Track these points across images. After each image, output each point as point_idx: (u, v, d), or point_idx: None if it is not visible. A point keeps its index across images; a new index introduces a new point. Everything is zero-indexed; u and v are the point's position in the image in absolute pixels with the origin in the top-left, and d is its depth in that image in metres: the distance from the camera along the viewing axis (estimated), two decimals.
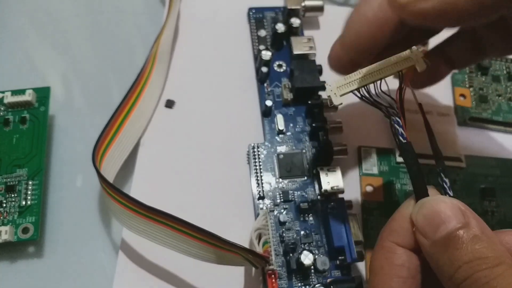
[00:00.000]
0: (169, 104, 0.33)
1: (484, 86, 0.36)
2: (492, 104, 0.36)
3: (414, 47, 0.22)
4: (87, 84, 0.34)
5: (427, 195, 0.21)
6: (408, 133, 0.32)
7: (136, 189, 0.30)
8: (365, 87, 0.21)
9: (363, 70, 0.21)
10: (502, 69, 0.37)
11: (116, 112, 0.30)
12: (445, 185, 0.22)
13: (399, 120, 0.21)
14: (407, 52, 0.21)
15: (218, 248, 0.24)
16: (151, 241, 0.26)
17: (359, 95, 0.21)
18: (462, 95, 0.36)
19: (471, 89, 0.36)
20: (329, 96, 0.21)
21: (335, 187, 0.30)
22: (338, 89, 0.21)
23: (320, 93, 0.33)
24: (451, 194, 0.21)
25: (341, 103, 0.21)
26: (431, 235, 0.19)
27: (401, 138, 0.21)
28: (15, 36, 0.35)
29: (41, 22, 0.36)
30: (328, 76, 0.33)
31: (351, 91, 0.21)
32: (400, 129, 0.21)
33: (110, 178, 0.28)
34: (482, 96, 0.36)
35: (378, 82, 0.21)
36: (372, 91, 0.21)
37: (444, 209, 0.19)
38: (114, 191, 0.26)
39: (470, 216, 0.19)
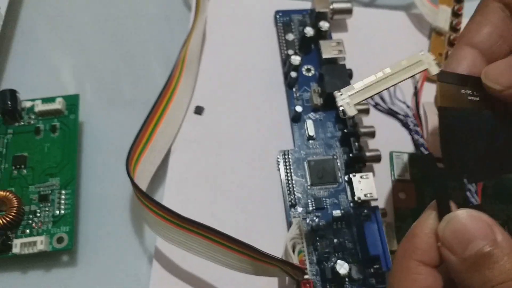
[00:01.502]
0: (198, 110, 0.33)
1: None
2: None
3: (422, 50, 0.21)
4: (114, 91, 0.34)
5: (449, 208, 0.20)
6: (432, 137, 0.31)
7: (169, 197, 0.30)
8: (379, 94, 0.20)
9: (375, 76, 0.20)
10: None
11: (146, 120, 0.30)
12: (468, 193, 0.21)
13: (418, 129, 0.21)
14: (417, 55, 0.20)
15: (255, 259, 0.24)
16: (186, 251, 0.26)
17: (373, 103, 0.20)
18: None
19: None
20: (341, 107, 0.20)
21: (368, 195, 0.29)
22: (351, 97, 0.20)
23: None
24: (475, 202, 0.21)
25: (356, 113, 0.20)
26: (460, 251, 0.18)
27: (422, 149, 0.21)
28: (40, 45, 0.35)
29: (64, 31, 0.36)
30: (359, 80, 0.33)
31: (365, 100, 0.20)
32: (421, 139, 0.20)
33: (144, 186, 0.28)
34: None
35: (392, 88, 0.20)
36: (387, 98, 0.21)
37: (474, 225, 0.19)
38: (149, 201, 0.26)
39: (499, 233, 0.18)
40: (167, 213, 0.25)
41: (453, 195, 0.22)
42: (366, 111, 0.31)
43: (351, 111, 0.20)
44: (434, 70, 0.20)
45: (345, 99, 0.20)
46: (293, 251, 0.27)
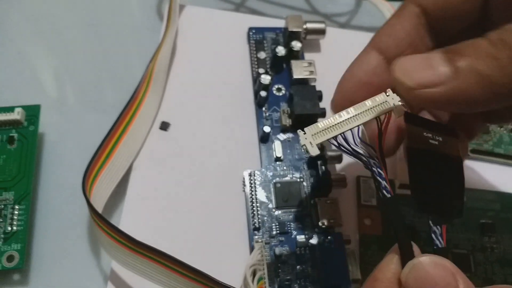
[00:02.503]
0: (164, 126, 0.32)
1: None
2: (493, 135, 0.35)
3: (389, 90, 0.20)
4: (81, 100, 0.33)
5: (412, 253, 0.19)
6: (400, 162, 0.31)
7: (127, 216, 0.29)
8: (342, 134, 0.20)
9: (338, 116, 0.20)
10: None
11: (108, 135, 0.29)
12: (433, 235, 0.20)
13: (381, 171, 0.20)
14: (382, 96, 0.20)
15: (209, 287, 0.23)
16: (139, 276, 0.25)
17: (336, 143, 0.20)
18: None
19: None
20: (304, 146, 0.19)
21: (332, 221, 0.29)
22: (314, 137, 0.19)
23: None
24: (440, 245, 0.20)
25: (319, 153, 0.20)
26: None
27: (384, 192, 0.20)
28: (12, 46, 0.34)
29: (40, 31, 0.35)
30: (328, 102, 0.32)
31: (327, 140, 0.20)
32: (383, 182, 0.20)
33: (101, 204, 0.27)
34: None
35: (356, 129, 0.20)
36: (350, 139, 0.20)
37: (437, 272, 0.18)
38: (103, 222, 0.25)
39: (461, 281, 0.18)
40: (120, 236, 0.24)
41: (417, 235, 0.21)
42: (338, 159, 0.31)
43: (313, 151, 0.19)
44: (400, 111, 0.20)
45: (308, 139, 0.19)
46: (253, 279, 0.26)
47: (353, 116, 0.20)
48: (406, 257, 0.19)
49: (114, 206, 0.29)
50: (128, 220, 0.29)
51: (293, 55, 0.34)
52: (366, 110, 0.20)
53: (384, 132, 0.20)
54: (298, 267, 0.28)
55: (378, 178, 0.20)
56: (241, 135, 0.32)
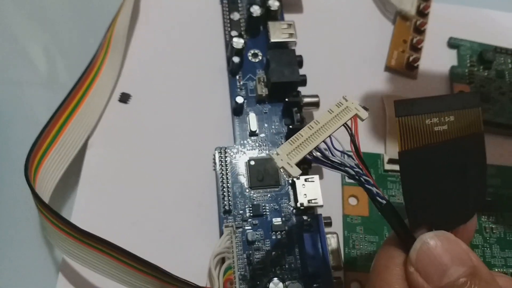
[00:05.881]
0: (124, 98, 0.28)
1: (486, 82, 0.32)
2: (494, 103, 0.31)
3: (345, 96, 0.20)
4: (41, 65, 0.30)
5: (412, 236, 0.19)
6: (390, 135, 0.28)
7: (81, 200, 0.26)
8: (316, 148, 0.19)
9: (308, 129, 0.19)
10: (508, 62, 0.33)
11: (57, 110, 0.26)
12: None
13: (368, 179, 0.19)
14: (342, 102, 0.20)
15: (164, 282, 0.20)
16: (90, 269, 0.22)
17: (313, 158, 0.19)
18: (462, 92, 0.32)
19: (471, 85, 0.32)
20: (282, 168, 0.18)
21: (312, 201, 0.26)
22: (289, 157, 0.18)
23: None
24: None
25: (301, 173, 0.18)
26: (436, 279, 0.17)
27: (378, 199, 0.19)
28: None
29: None
30: (310, 68, 0.29)
31: (304, 157, 0.18)
32: (374, 189, 0.19)
33: (49, 188, 0.24)
34: (483, 94, 0.32)
35: (328, 140, 0.19)
36: (325, 151, 0.19)
37: (449, 249, 0.17)
38: (46, 210, 0.22)
39: (475, 260, 0.17)
40: (64, 225, 0.21)
41: None
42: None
43: (294, 172, 0.18)
44: (364, 114, 0.20)
45: (284, 160, 0.18)
46: (220, 269, 0.23)
47: (322, 127, 0.19)
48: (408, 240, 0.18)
49: (67, 188, 0.26)
50: (82, 205, 0.26)
51: (270, 15, 0.31)
52: (331, 119, 0.19)
53: (357, 137, 0.19)
54: (273, 253, 0.25)
55: (368, 186, 0.19)
56: (212, 107, 0.29)
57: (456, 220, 0.19)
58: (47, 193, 0.24)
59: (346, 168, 0.19)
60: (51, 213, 0.21)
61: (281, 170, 0.18)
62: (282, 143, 0.27)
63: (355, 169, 0.19)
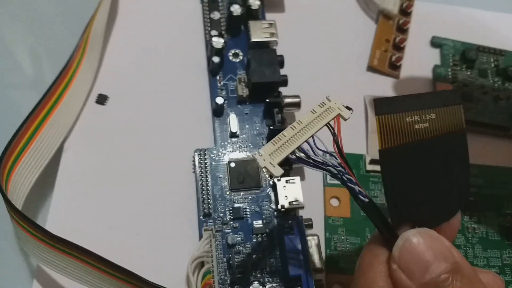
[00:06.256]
0: (101, 99, 0.28)
1: (469, 81, 0.32)
2: (477, 102, 0.31)
3: (328, 96, 0.20)
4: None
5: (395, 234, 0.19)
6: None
7: (57, 205, 0.25)
8: (299, 148, 0.19)
9: (290, 129, 0.19)
10: (490, 61, 0.33)
11: (31, 113, 0.25)
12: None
13: (350, 177, 0.19)
14: (325, 102, 0.20)
15: None
16: (65, 276, 0.21)
17: (295, 158, 0.19)
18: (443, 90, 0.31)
19: (454, 84, 0.32)
20: (265, 168, 0.18)
21: (293, 202, 0.25)
22: (271, 157, 0.18)
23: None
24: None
25: (283, 172, 0.18)
26: (419, 276, 0.17)
27: (361, 197, 0.19)
28: None
29: None
30: (291, 69, 0.28)
31: (287, 156, 0.18)
32: (356, 187, 0.19)
33: (23, 193, 0.24)
34: (466, 93, 0.31)
35: (311, 139, 0.19)
36: (308, 151, 0.19)
37: (432, 246, 0.17)
38: (18, 215, 0.21)
39: (457, 256, 0.17)
40: (39, 232, 0.21)
41: None
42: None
43: (277, 171, 0.18)
44: (347, 114, 0.20)
45: (267, 160, 0.18)
46: (198, 273, 0.23)
47: (304, 127, 0.19)
48: (391, 237, 0.18)
49: (42, 193, 0.26)
50: (57, 210, 0.25)
51: (251, 15, 0.30)
52: (315, 119, 0.19)
53: (339, 137, 0.19)
54: (254, 256, 0.25)
55: (350, 184, 0.19)
56: (192, 108, 0.29)
57: (439, 217, 0.19)
58: (21, 198, 0.23)
59: (329, 167, 0.19)
60: (24, 220, 0.21)
61: (264, 170, 0.18)
62: (264, 144, 0.27)
63: (337, 168, 0.19)
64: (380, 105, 0.18)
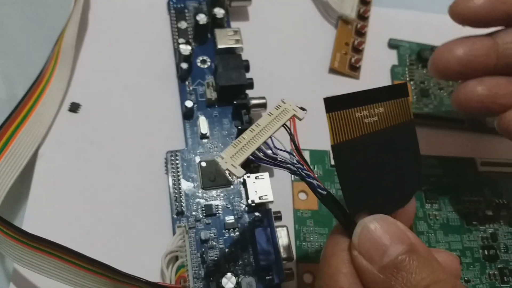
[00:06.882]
0: (74, 107, 0.29)
1: (425, 79, 0.34)
2: (434, 98, 0.33)
3: (283, 99, 0.21)
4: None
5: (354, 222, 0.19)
6: None
7: (33, 210, 0.26)
8: (259, 148, 0.20)
9: (249, 132, 0.20)
10: None
11: (7, 120, 0.26)
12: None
13: (308, 173, 0.20)
14: (280, 105, 0.21)
15: (117, 281, 0.21)
16: (40, 275, 0.22)
17: (255, 158, 0.20)
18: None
19: (411, 82, 0.34)
20: (227, 170, 0.19)
21: (263, 197, 0.27)
22: (233, 159, 0.19)
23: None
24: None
25: (245, 173, 0.19)
26: (378, 259, 0.18)
27: (319, 190, 0.20)
28: None
29: None
30: (256, 72, 0.30)
31: (248, 157, 0.19)
32: (315, 182, 0.20)
33: None
34: (423, 90, 0.33)
35: (269, 140, 0.20)
36: (267, 151, 0.20)
37: (389, 229, 0.18)
38: None
39: (412, 238, 0.18)
40: (10, 229, 0.21)
41: None
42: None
43: (238, 172, 0.19)
44: (301, 114, 0.21)
45: (228, 162, 0.19)
46: (172, 267, 0.23)
47: (263, 129, 0.20)
48: (351, 226, 0.19)
49: (17, 199, 0.26)
50: (33, 215, 0.26)
51: (217, 23, 0.32)
52: (271, 121, 0.20)
53: (295, 136, 0.20)
54: (226, 251, 0.26)
55: (308, 179, 0.20)
56: (163, 113, 0.30)
57: (395, 204, 0.20)
58: None
59: (288, 165, 0.20)
60: (0, 221, 0.21)
61: (226, 171, 0.19)
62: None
63: (296, 165, 0.20)
64: (330, 103, 0.19)
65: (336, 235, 0.20)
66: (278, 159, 0.20)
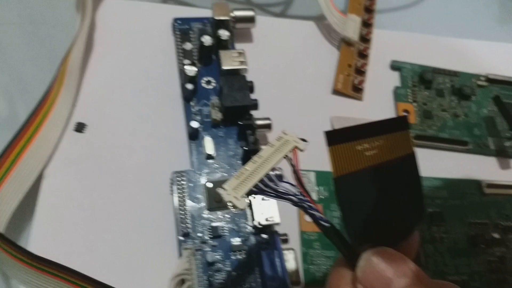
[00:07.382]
0: (80, 127, 0.29)
1: (428, 100, 0.34)
2: (437, 119, 0.33)
3: (284, 131, 0.21)
4: None
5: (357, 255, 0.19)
6: None
7: (38, 230, 0.25)
8: (262, 181, 0.20)
9: (250, 165, 0.20)
10: (446, 82, 0.35)
11: (12, 141, 0.26)
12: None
13: (310, 204, 0.20)
14: (281, 136, 0.21)
15: None
16: None
17: (258, 190, 0.20)
18: (406, 111, 0.34)
19: (415, 104, 0.34)
20: (230, 202, 0.19)
21: (270, 219, 0.26)
22: (235, 191, 0.19)
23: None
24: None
25: (248, 203, 0.20)
26: None
27: (322, 222, 0.20)
28: None
29: None
30: (261, 93, 0.30)
31: (250, 189, 0.19)
32: (317, 213, 0.20)
33: (3, 221, 0.24)
34: (426, 112, 0.34)
35: (272, 172, 0.20)
36: (270, 183, 0.20)
37: (391, 263, 0.18)
38: (1, 239, 0.21)
39: (415, 270, 0.18)
40: (21, 253, 0.21)
41: None
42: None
43: (241, 204, 0.19)
44: (302, 145, 0.21)
45: (231, 194, 0.19)
46: None
47: (264, 160, 0.20)
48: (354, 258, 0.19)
49: (22, 221, 0.26)
50: (39, 236, 0.25)
51: (222, 45, 0.32)
52: (273, 153, 0.20)
53: (297, 168, 0.20)
54: (233, 273, 0.26)
55: (311, 211, 0.20)
56: (168, 133, 0.30)
57: (398, 236, 0.20)
58: (2, 226, 0.23)
59: (290, 196, 0.20)
60: (6, 242, 0.21)
61: (229, 203, 0.19)
62: (239, 165, 0.29)
63: (298, 197, 0.20)
64: (331, 136, 0.19)
65: (339, 267, 0.20)
66: (280, 190, 0.20)
